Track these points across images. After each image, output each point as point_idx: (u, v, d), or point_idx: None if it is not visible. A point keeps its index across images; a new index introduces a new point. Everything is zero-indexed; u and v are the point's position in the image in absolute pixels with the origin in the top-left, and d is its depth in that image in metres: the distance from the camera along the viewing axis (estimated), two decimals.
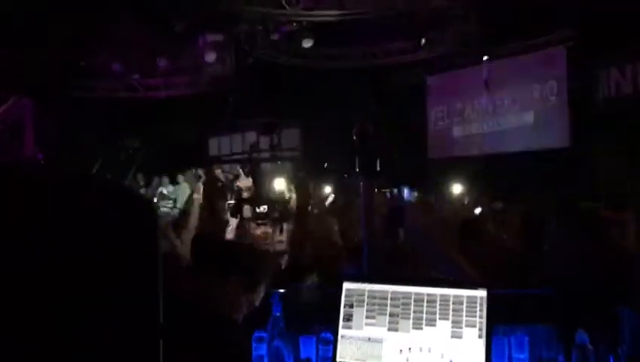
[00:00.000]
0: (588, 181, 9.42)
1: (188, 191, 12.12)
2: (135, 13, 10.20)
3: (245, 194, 10.01)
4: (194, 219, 5.01)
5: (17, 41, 10.04)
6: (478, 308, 2.32)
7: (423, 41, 12.14)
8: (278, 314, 2.54)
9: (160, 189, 12.65)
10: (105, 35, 10.88)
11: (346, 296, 2.49)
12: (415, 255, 3.90)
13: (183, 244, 4.17)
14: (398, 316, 2.39)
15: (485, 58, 12.11)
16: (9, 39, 9.93)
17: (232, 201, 9.49)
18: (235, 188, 10.61)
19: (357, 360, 2.40)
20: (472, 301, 2.33)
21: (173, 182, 13.06)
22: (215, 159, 17.47)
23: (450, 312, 2.34)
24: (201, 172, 12.04)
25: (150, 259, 0.69)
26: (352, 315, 2.45)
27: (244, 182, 10.24)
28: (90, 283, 0.62)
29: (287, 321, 2.55)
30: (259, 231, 5.79)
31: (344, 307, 2.48)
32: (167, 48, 12.54)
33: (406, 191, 8.93)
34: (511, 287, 2.58)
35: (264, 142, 14.55)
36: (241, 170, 11.14)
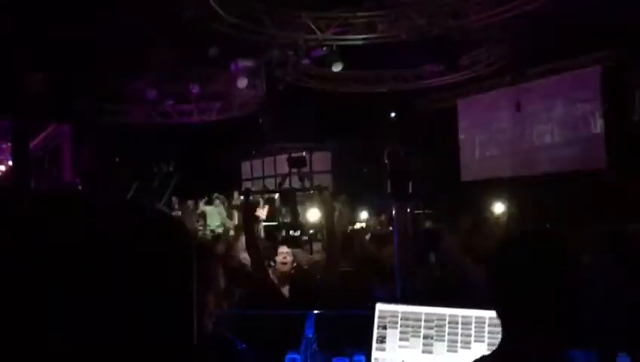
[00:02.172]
0: (623, 204, 9.19)
1: (221, 215, 12.24)
2: (169, 40, 10.43)
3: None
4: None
5: (54, 67, 10.36)
6: None
7: (455, 63, 12.11)
8: (310, 335, 2.53)
9: (193, 212, 12.78)
10: (141, 63, 11.15)
11: (379, 317, 2.47)
12: (456, 281, 3.85)
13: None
14: (432, 338, 2.36)
15: (512, 78, 12.03)
16: (46, 65, 10.24)
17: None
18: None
19: None
20: None
21: (208, 203, 13.20)
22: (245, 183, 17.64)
23: (486, 334, 2.30)
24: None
25: (185, 283, 0.70)
26: (385, 337, 2.43)
27: (260, 211, 10.40)
28: (126, 305, 0.63)
29: (319, 343, 2.54)
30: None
31: (377, 329, 2.45)
32: (199, 75, 12.79)
33: None
34: None
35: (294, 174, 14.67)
36: (260, 199, 11.32)
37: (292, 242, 6.48)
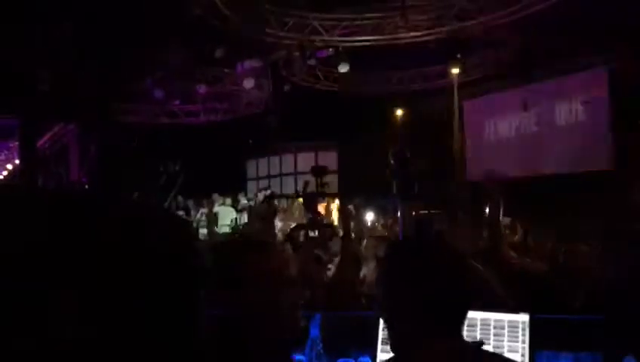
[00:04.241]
0: (630, 205, 9.16)
1: (231, 215, 12.30)
2: (176, 40, 10.46)
3: None
4: None
5: (62, 67, 10.40)
6: (520, 333, 2.27)
7: (461, 65, 12.08)
8: (316, 337, 2.54)
9: (200, 212, 12.81)
10: (148, 63, 11.18)
11: None
12: None
13: None
14: None
15: (518, 79, 12.00)
16: (55, 65, 10.29)
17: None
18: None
19: None
20: (513, 325, 2.28)
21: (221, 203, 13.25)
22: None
23: (492, 337, 2.30)
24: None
25: (190, 283, 0.70)
26: None
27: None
28: (129, 306, 0.64)
29: (325, 344, 2.54)
30: None
31: (383, 330, 2.46)
32: (206, 75, 12.82)
33: None
34: (536, 312, 2.52)
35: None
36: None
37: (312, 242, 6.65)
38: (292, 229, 8.96)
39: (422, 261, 1.49)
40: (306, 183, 12.91)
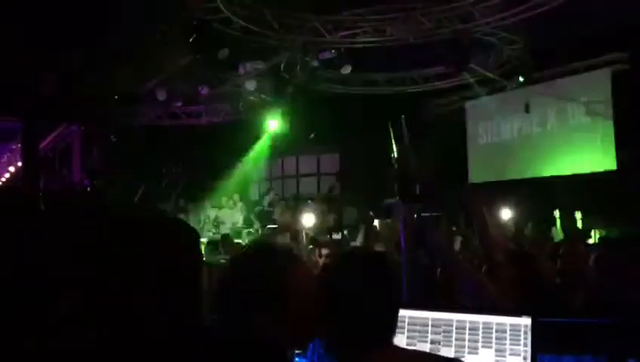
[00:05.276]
0: (634, 206, 9.13)
1: (233, 218, 12.33)
2: (179, 41, 10.46)
3: None
4: None
5: (65, 68, 10.42)
6: (522, 336, 2.25)
7: (464, 65, 12.06)
8: (318, 339, 2.53)
9: (203, 214, 12.85)
10: (151, 64, 11.20)
11: None
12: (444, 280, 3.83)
13: None
14: (439, 343, 2.34)
15: (521, 80, 11.95)
16: (57, 66, 10.31)
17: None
18: None
19: None
20: (515, 329, 2.27)
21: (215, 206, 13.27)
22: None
23: (494, 340, 2.28)
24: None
25: (189, 285, 0.70)
26: None
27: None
28: (129, 307, 0.63)
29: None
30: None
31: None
32: (208, 76, 12.81)
33: None
34: (537, 313, 2.51)
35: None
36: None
37: (335, 244, 6.78)
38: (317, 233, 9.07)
39: (355, 277, 1.60)
40: (332, 185, 13.34)
